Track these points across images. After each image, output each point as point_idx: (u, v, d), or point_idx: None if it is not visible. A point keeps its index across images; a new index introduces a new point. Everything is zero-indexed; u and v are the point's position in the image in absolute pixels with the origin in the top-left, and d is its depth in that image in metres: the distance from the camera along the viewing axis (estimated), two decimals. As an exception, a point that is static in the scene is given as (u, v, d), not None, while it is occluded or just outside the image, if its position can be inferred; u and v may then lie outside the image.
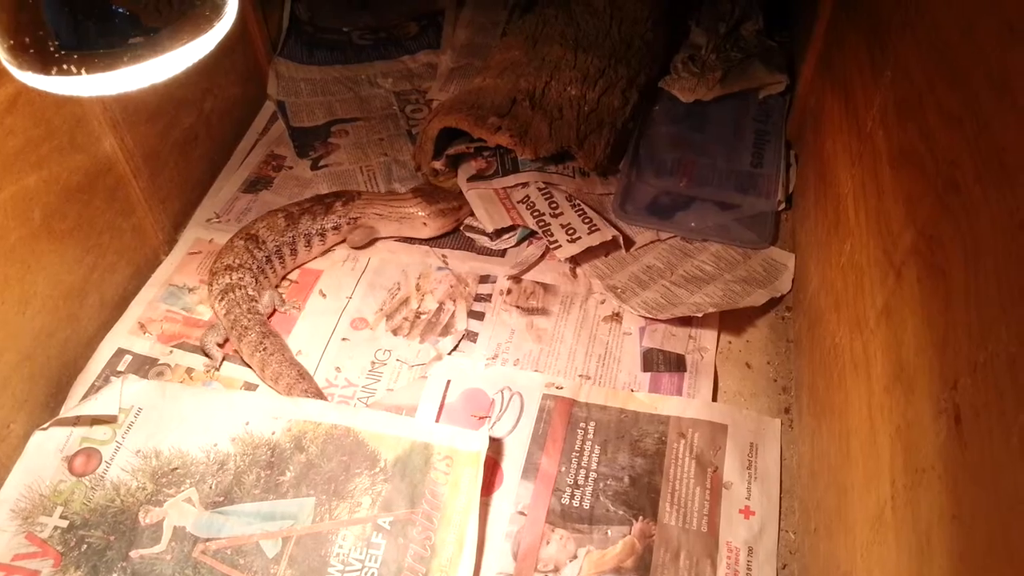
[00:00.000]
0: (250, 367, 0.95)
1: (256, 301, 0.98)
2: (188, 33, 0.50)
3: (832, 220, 0.84)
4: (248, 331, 0.94)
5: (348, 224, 1.08)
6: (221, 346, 0.97)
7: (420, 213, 1.09)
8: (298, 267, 1.08)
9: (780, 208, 1.13)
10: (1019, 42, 0.43)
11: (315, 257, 1.09)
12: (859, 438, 0.64)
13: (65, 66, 0.48)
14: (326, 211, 1.07)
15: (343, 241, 1.10)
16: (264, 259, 1.02)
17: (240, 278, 0.99)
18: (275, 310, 1.02)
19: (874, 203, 0.69)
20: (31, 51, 0.48)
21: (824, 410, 0.77)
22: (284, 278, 1.07)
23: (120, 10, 0.49)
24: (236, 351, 0.96)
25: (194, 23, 0.50)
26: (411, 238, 1.12)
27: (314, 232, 1.06)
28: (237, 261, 1.00)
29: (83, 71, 0.49)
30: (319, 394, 0.91)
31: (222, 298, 0.97)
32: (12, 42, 0.48)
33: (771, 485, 0.84)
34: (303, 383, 0.91)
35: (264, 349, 0.93)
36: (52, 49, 0.48)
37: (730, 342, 0.99)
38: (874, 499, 0.58)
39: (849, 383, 0.69)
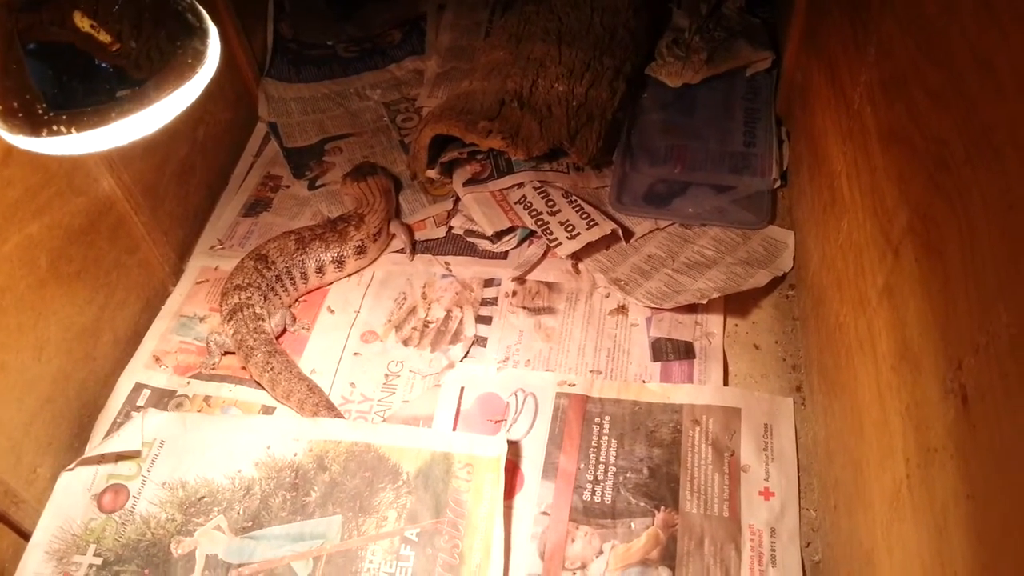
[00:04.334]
0: (262, 387, 0.96)
1: (263, 320, 0.99)
2: (173, 82, 0.51)
3: (828, 198, 0.84)
4: (254, 351, 0.95)
5: (373, 241, 1.09)
6: (224, 354, 0.99)
7: (390, 184, 1.16)
8: (311, 291, 1.08)
9: (775, 186, 1.12)
10: (997, 21, 0.43)
11: (330, 283, 1.09)
12: (870, 416, 0.64)
13: (55, 127, 0.49)
14: (340, 238, 1.07)
15: (365, 266, 1.11)
16: (274, 278, 1.03)
17: (248, 297, 1.00)
18: (285, 329, 1.03)
19: (867, 181, 0.69)
20: (20, 115, 0.49)
21: (834, 388, 0.78)
22: (297, 300, 1.08)
23: (104, 66, 0.50)
24: (245, 369, 0.97)
25: (178, 72, 0.51)
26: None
27: (327, 260, 1.06)
28: (246, 280, 1.01)
29: (73, 130, 0.49)
30: (330, 406, 0.92)
31: (230, 318, 0.98)
32: (1, 108, 0.49)
33: (788, 465, 0.85)
34: (314, 396, 0.92)
35: (272, 368, 0.94)
36: (40, 111, 0.49)
37: (737, 325, 0.99)
38: (890, 477, 0.58)
39: (856, 361, 0.69)
